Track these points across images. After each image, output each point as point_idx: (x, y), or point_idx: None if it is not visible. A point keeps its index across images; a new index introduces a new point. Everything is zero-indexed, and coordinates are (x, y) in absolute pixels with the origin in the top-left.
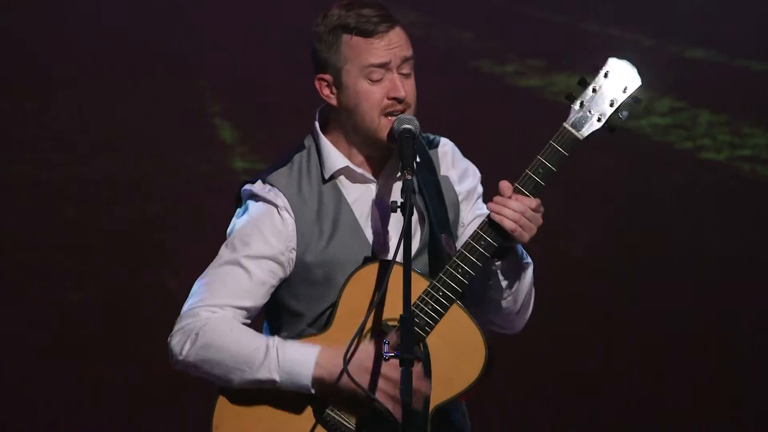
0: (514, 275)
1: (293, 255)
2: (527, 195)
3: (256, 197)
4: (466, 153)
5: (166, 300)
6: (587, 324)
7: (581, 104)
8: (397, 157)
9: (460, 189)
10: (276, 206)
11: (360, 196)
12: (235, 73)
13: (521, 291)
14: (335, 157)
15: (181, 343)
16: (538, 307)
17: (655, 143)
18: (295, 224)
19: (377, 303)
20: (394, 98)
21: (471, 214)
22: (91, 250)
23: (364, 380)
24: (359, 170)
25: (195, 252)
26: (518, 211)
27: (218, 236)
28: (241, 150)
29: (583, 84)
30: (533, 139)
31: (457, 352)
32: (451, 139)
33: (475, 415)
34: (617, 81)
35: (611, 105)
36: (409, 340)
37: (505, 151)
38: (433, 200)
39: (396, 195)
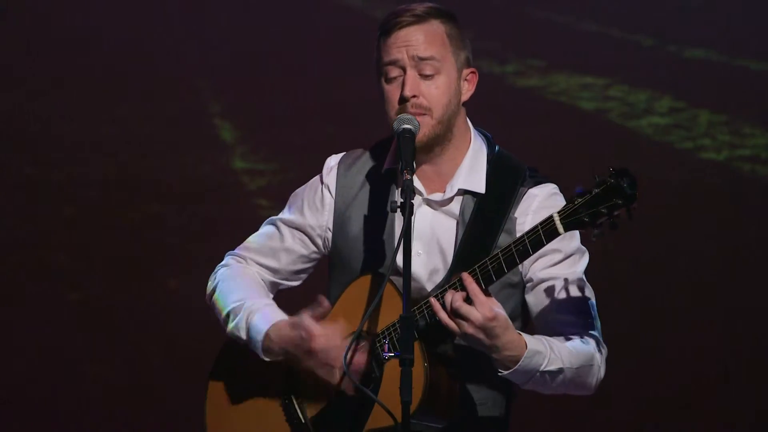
0: (529, 383)
1: (329, 234)
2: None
3: (322, 168)
4: None
5: (166, 300)
6: None
7: (576, 202)
8: (465, 175)
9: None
10: (322, 183)
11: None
12: (235, 73)
13: (550, 389)
14: (394, 155)
15: (209, 285)
16: None
17: (654, 143)
18: (334, 204)
19: (369, 314)
20: (401, 97)
21: (535, 273)
22: (91, 250)
23: (305, 359)
24: (409, 176)
25: (195, 252)
26: (450, 305)
27: (218, 236)
28: (241, 150)
29: (594, 183)
30: (533, 139)
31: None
32: None
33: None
34: (615, 192)
35: (600, 213)
36: (408, 340)
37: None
38: (478, 235)
39: (446, 217)
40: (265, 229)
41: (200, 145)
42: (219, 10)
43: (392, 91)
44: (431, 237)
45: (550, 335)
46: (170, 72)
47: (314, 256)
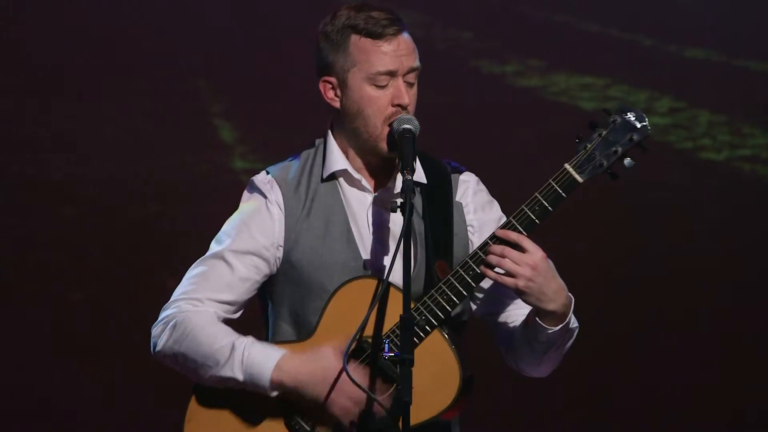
0: (559, 341)
1: (280, 253)
2: (521, 231)
3: (253, 187)
4: (466, 152)
5: (166, 300)
6: (587, 324)
7: (586, 147)
8: (398, 166)
9: (473, 219)
10: (266, 199)
11: (356, 203)
12: (235, 73)
13: (559, 352)
14: (336, 158)
15: (159, 334)
16: None
17: (654, 143)
18: (284, 219)
19: (363, 320)
20: (398, 105)
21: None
22: (91, 250)
23: (323, 391)
24: (357, 176)
25: (195, 252)
26: (500, 254)
27: None
28: (241, 150)
29: (592, 127)
30: (533, 139)
31: (432, 378)
32: (451, 139)
33: (472, 416)
34: (625, 128)
35: (616, 152)
36: (408, 340)
37: (505, 151)
38: (436, 225)
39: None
40: (208, 265)
41: (200, 145)
42: (219, 10)
43: (381, 97)
44: (394, 234)
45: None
46: (170, 72)
47: (263, 279)
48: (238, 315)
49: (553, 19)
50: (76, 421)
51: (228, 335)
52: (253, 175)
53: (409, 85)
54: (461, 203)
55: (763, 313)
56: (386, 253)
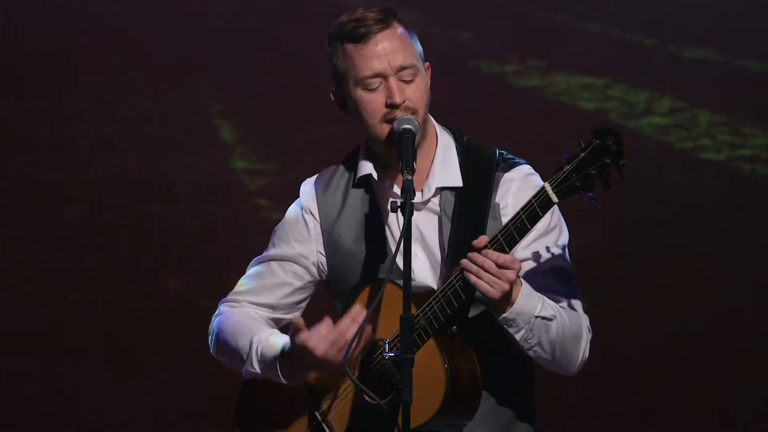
0: (521, 329)
1: (323, 258)
2: (505, 249)
3: (298, 195)
4: None
5: (166, 300)
6: None
7: (564, 168)
8: (436, 171)
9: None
10: (303, 209)
11: (385, 205)
12: (235, 73)
13: (546, 343)
14: (364, 162)
15: (209, 339)
16: None
17: (654, 143)
18: (321, 226)
19: (364, 319)
20: (391, 105)
21: (520, 252)
22: (91, 250)
23: (314, 361)
24: (382, 179)
25: (195, 252)
26: (480, 265)
27: (218, 236)
28: (241, 150)
29: (579, 148)
30: (533, 139)
31: (420, 387)
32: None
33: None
34: (601, 152)
35: (589, 176)
36: (408, 340)
37: (505, 151)
38: (465, 228)
39: (427, 215)
40: (252, 270)
41: (200, 145)
42: (219, 10)
43: (375, 100)
44: (420, 237)
45: None
46: (170, 72)
47: (309, 285)
48: (287, 315)
49: (553, 19)
50: (76, 421)
51: (252, 330)
52: (254, 175)
53: (406, 82)
54: (499, 204)
55: (764, 313)
56: (416, 256)
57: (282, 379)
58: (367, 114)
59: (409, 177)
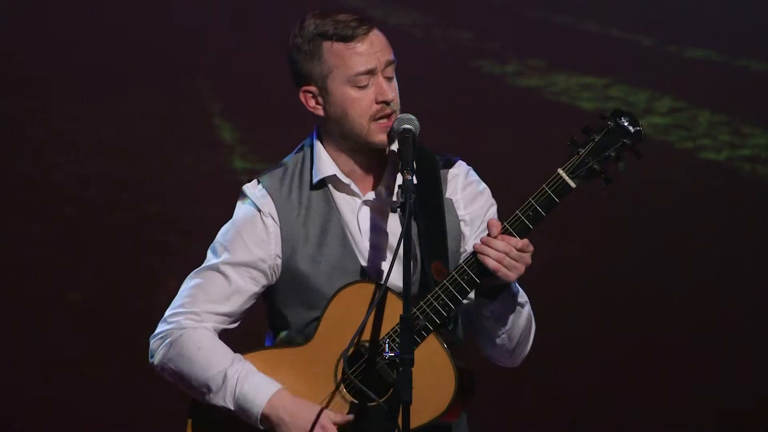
0: (507, 315)
1: (278, 261)
2: (514, 235)
3: (246, 197)
4: (466, 152)
5: (166, 300)
6: (587, 324)
7: (579, 152)
8: (390, 171)
9: (464, 213)
10: (260, 211)
11: (346, 207)
12: (235, 73)
13: (516, 330)
14: (325, 163)
15: (157, 348)
16: (538, 306)
17: (655, 143)
18: (280, 230)
19: (361, 324)
20: (383, 102)
21: (476, 240)
22: (91, 250)
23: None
24: (346, 180)
25: (195, 252)
26: (502, 251)
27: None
28: (241, 150)
29: (586, 132)
30: (533, 139)
31: (428, 382)
32: (451, 139)
33: (472, 417)
34: (618, 133)
35: (609, 157)
36: (408, 340)
37: (505, 151)
38: (429, 224)
39: (388, 214)
40: (205, 277)
41: (200, 145)
42: (219, 10)
43: (363, 97)
44: (386, 237)
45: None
46: (170, 72)
47: (262, 289)
48: (236, 324)
49: (553, 19)
50: (76, 421)
51: (222, 361)
52: (254, 175)
53: (388, 79)
54: (451, 199)
55: (764, 313)
56: (383, 256)
57: (258, 422)
58: (355, 112)
59: (410, 177)
